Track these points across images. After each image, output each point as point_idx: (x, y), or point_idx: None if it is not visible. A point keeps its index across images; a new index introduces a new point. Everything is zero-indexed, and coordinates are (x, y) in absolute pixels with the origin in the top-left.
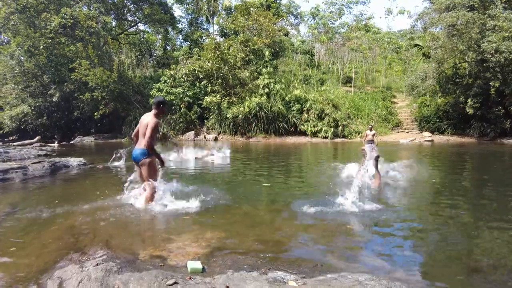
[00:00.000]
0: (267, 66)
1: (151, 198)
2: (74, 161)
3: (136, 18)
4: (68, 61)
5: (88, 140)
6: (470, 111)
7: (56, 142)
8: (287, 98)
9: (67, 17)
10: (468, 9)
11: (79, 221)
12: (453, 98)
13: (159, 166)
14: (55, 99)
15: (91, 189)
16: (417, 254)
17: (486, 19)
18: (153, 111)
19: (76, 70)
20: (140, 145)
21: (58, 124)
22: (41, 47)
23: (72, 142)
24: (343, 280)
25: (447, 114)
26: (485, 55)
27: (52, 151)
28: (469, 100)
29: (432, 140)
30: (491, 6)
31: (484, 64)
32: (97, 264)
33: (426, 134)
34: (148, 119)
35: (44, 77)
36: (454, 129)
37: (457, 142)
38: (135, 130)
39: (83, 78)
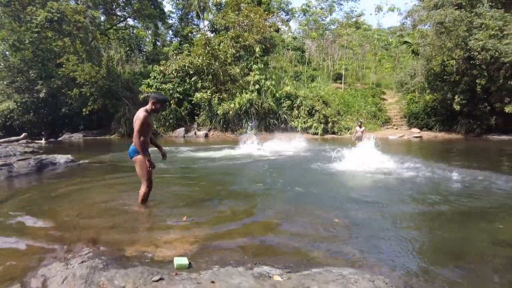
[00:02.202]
0: (257, 62)
1: (143, 197)
2: (61, 158)
3: (125, 13)
4: (55, 56)
5: (77, 137)
6: (457, 107)
7: (43, 139)
8: (277, 95)
9: (54, 11)
10: (456, 7)
11: (65, 218)
12: (441, 95)
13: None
14: (42, 95)
15: (78, 186)
16: (402, 248)
17: (473, 17)
18: (148, 105)
19: (63, 66)
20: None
21: (45, 121)
22: (27, 41)
23: (60, 139)
24: (327, 274)
25: (435, 110)
26: (472, 53)
27: (39, 148)
28: (456, 97)
29: (420, 137)
30: (478, 5)
31: (471, 62)
32: (82, 262)
33: (415, 130)
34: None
35: (30, 72)
36: (442, 125)
37: (445, 138)
38: None
39: (71, 74)
